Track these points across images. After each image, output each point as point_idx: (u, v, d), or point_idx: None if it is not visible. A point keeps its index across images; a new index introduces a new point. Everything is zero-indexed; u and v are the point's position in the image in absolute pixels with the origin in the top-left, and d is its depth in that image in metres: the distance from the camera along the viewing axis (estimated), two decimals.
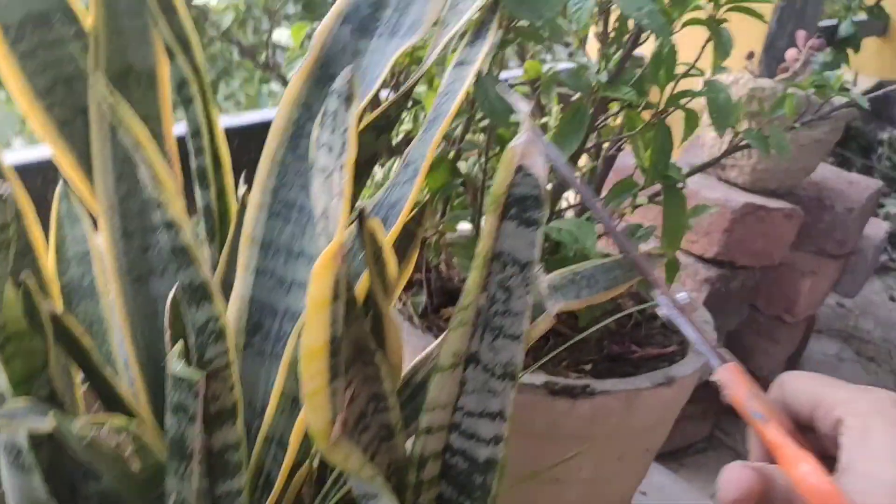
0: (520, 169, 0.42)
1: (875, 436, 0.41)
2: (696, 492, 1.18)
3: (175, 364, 0.40)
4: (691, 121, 0.77)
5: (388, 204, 0.49)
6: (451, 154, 0.76)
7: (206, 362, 0.42)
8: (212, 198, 0.59)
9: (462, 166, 0.81)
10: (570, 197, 0.93)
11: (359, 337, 0.46)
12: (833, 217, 1.34)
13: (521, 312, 0.45)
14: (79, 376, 0.53)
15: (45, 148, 0.54)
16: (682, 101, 0.74)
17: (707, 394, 1.25)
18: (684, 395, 0.85)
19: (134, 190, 0.52)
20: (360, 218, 0.41)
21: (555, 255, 0.82)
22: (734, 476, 0.40)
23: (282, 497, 0.47)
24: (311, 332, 0.38)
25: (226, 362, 0.43)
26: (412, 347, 0.74)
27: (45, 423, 0.37)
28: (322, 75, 0.52)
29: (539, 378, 0.76)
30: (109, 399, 0.48)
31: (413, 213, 0.66)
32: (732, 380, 0.46)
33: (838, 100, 0.84)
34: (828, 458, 0.42)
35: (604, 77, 0.72)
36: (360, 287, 0.47)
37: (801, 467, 0.41)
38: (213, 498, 0.45)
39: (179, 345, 0.41)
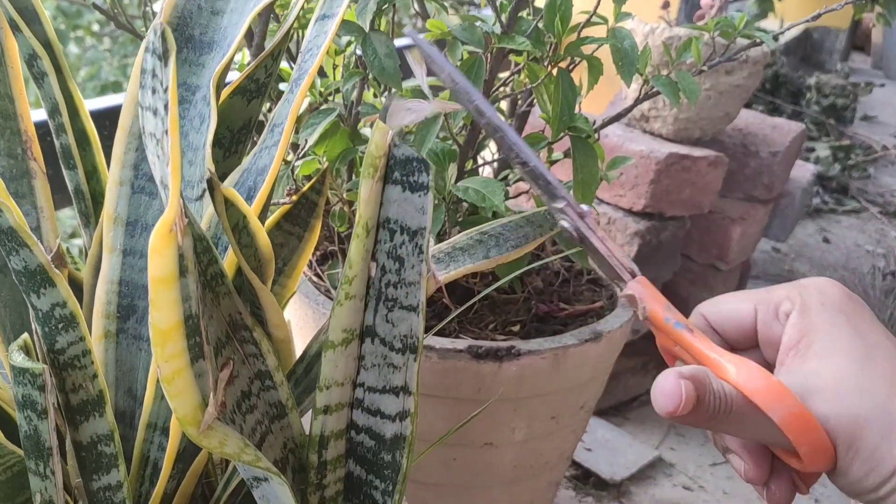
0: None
1: (824, 327, 0.40)
2: (640, 445, 1.18)
3: (15, 355, 0.36)
4: (595, 69, 0.74)
5: (256, 170, 0.45)
6: (350, 120, 0.73)
7: (59, 352, 0.39)
8: (81, 179, 0.54)
9: (366, 133, 0.78)
10: (486, 156, 0.90)
11: (232, 314, 0.42)
12: (759, 162, 1.34)
13: (416, 282, 0.42)
14: None
15: None
16: (584, 50, 0.72)
17: (647, 346, 1.24)
18: (615, 349, 0.83)
19: None
20: (210, 186, 0.37)
21: (473, 216, 0.79)
22: (668, 386, 0.38)
23: (175, 486, 0.44)
24: (158, 312, 0.35)
25: (83, 350, 0.39)
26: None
27: None
28: (177, 38, 0.48)
29: (462, 343, 0.74)
30: None
31: (312, 181, 0.62)
32: (645, 293, 0.44)
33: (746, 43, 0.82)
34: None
35: (497, 29, 0.69)
36: (228, 262, 0.44)
37: (741, 369, 0.39)
38: (90, 494, 0.41)
39: (24, 336, 0.38)
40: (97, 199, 0.56)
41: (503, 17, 0.68)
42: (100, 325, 0.44)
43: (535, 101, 0.83)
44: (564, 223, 0.47)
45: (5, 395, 0.48)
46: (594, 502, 1.09)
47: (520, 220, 0.65)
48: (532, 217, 0.65)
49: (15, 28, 0.52)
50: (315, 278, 0.83)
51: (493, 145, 0.92)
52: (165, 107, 0.32)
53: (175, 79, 0.32)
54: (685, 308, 0.43)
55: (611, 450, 1.16)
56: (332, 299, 0.79)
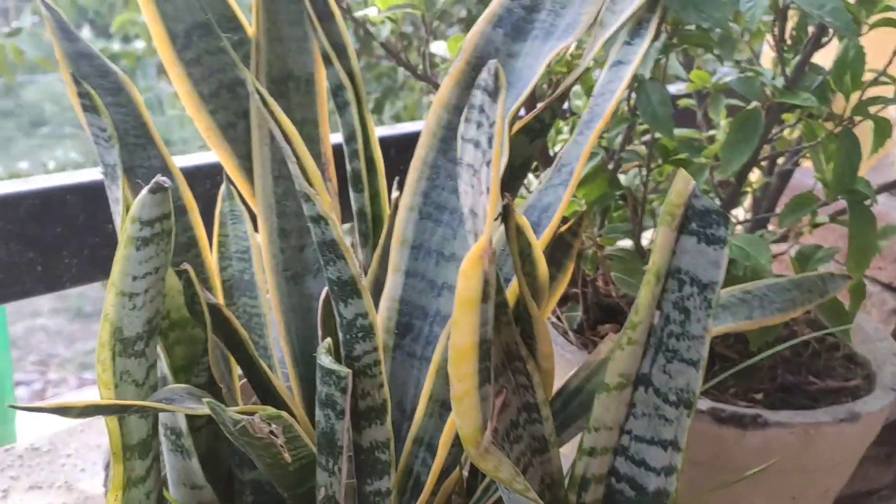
0: None
1: None
2: None
3: (324, 358, 0.39)
4: (882, 130, 0.69)
5: (541, 207, 0.47)
6: (611, 165, 0.73)
7: (355, 358, 0.42)
8: (365, 201, 0.59)
9: (622, 179, 0.78)
10: (738, 215, 0.87)
11: (509, 343, 0.43)
12: None
13: (701, 337, 0.41)
14: (237, 370, 0.54)
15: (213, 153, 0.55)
16: (872, 110, 0.68)
17: (892, 436, 1.12)
18: (871, 433, 0.76)
19: (291, 190, 0.53)
20: (506, 213, 0.39)
21: (729, 274, 0.76)
22: None
23: (430, 502, 0.45)
24: (459, 333, 0.36)
25: (374, 360, 0.42)
26: (566, 363, 0.71)
27: (201, 407, 0.37)
28: (473, 78, 0.51)
29: (704, 403, 0.71)
30: (265, 392, 0.49)
31: (570, 223, 0.63)
32: None
33: None
34: None
35: (780, 82, 0.66)
36: (510, 292, 0.45)
37: None
38: (361, 496, 0.43)
39: (328, 341, 0.41)
40: (377, 221, 0.60)
41: (787, 71, 0.66)
42: (379, 339, 0.47)
43: (800, 159, 0.79)
44: None
45: (280, 386, 0.51)
46: None
47: (787, 282, 0.61)
48: (801, 281, 0.62)
49: (327, 61, 0.57)
50: (554, 318, 0.83)
51: (746, 202, 0.89)
52: (489, 140, 0.34)
53: (502, 115, 0.34)
54: None
55: None
56: (569, 341, 0.79)
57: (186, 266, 0.45)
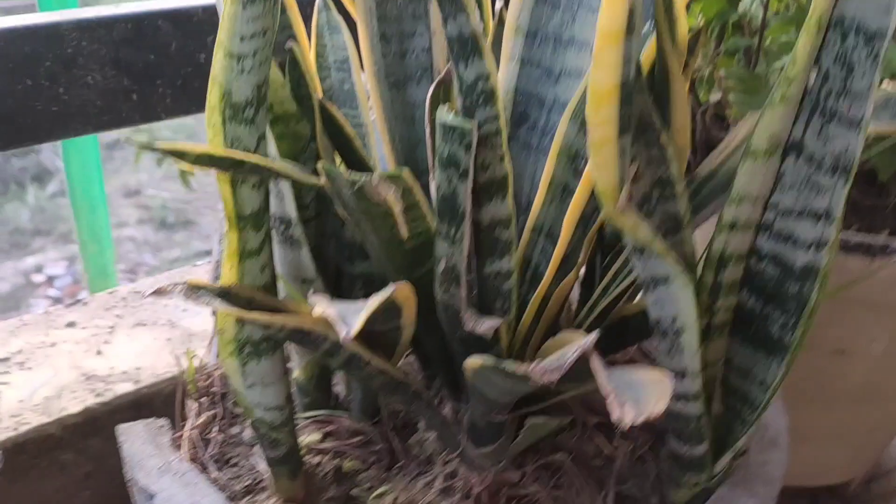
0: None
1: None
2: None
3: (446, 115, 0.36)
4: None
5: None
6: None
7: (476, 124, 0.39)
8: None
9: (741, 4, 0.72)
10: None
11: (643, 112, 0.40)
12: None
13: (864, 94, 0.37)
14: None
15: None
16: None
17: None
18: None
19: None
20: None
21: None
22: None
23: (549, 293, 0.43)
24: (599, 71, 0.33)
25: (496, 128, 0.39)
26: None
27: (315, 177, 0.35)
28: None
29: None
30: None
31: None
32: None
33: None
34: None
35: None
36: (645, 55, 0.41)
37: None
38: (481, 279, 0.41)
39: (448, 104, 0.38)
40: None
41: None
42: (500, 106, 0.44)
43: None
44: None
45: None
46: None
47: None
48: None
49: None
50: None
51: None
52: None
53: None
54: None
55: None
56: None
57: (291, 43, 0.43)
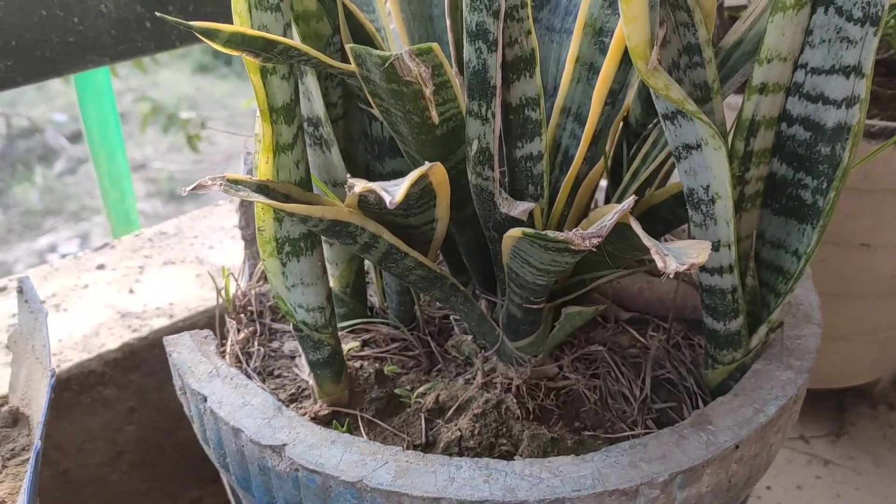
0: None
1: None
2: None
3: None
4: None
5: None
6: None
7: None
8: None
9: None
10: None
11: None
12: None
13: None
14: None
15: None
16: None
17: None
18: None
19: None
20: None
21: None
22: None
23: (580, 177, 0.43)
24: None
25: (521, 1, 0.38)
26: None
27: (344, 63, 0.35)
28: None
29: None
30: None
31: None
32: None
33: None
34: None
35: None
36: None
37: None
38: (511, 162, 0.42)
39: None
40: None
41: None
42: None
43: None
44: None
45: None
46: None
47: None
48: None
49: None
50: None
51: None
52: None
53: None
54: None
55: None
56: None
57: None
